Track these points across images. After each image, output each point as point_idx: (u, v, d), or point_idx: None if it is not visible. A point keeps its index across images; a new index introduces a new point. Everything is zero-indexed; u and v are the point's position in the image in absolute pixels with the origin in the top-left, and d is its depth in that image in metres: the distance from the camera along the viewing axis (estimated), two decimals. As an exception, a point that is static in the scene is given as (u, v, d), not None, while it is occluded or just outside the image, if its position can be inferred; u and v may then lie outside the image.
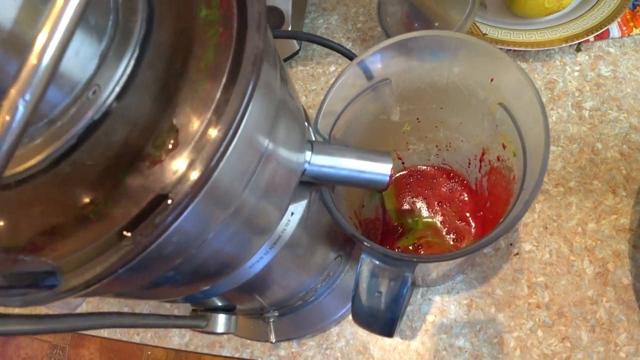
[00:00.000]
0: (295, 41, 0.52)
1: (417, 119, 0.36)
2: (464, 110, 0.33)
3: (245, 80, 0.18)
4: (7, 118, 0.13)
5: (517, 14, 0.48)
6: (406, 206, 0.43)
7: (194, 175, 0.17)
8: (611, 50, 0.47)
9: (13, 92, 0.13)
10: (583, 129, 0.45)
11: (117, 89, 0.18)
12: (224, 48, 0.19)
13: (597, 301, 0.40)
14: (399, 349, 0.42)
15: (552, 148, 0.45)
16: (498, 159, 0.33)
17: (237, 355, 0.44)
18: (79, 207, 0.17)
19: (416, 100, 0.34)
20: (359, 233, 0.28)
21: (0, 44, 0.15)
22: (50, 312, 0.28)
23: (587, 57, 0.47)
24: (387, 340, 0.42)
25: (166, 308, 0.48)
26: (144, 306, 0.49)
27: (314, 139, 0.30)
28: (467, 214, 0.42)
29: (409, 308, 0.43)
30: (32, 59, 0.13)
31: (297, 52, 0.54)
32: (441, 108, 0.34)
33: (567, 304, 0.40)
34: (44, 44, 0.13)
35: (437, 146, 0.40)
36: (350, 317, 0.43)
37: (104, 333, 0.49)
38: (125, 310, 0.49)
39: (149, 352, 1.19)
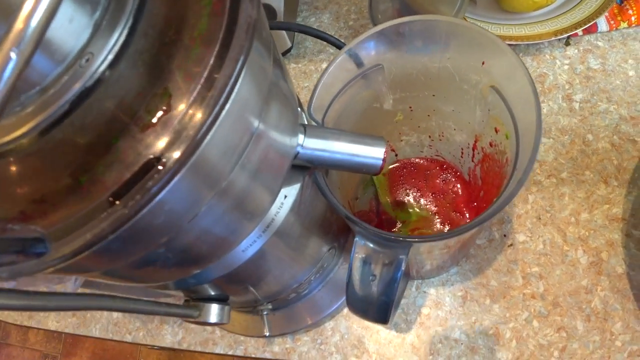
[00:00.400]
0: (287, 38, 0.52)
1: (410, 107, 0.36)
2: (456, 97, 0.33)
3: (239, 47, 0.18)
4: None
5: (506, 9, 0.49)
6: (400, 198, 0.43)
7: (187, 140, 0.17)
8: (600, 44, 0.48)
9: (6, 43, 0.13)
10: (574, 121, 0.45)
11: (110, 57, 0.17)
12: (218, 17, 0.19)
13: (591, 290, 0.40)
14: (394, 342, 0.41)
15: (544, 140, 0.45)
16: (490, 144, 0.33)
17: (230, 353, 0.44)
18: (70, 174, 0.17)
19: (408, 88, 0.34)
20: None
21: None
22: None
23: (576, 50, 0.48)
24: (382, 334, 0.42)
25: (158, 306, 0.47)
26: (136, 304, 0.48)
27: (307, 123, 0.30)
28: (461, 205, 0.42)
29: (403, 301, 0.42)
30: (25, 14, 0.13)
31: (289, 50, 0.54)
32: (433, 95, 0.34)
33: (562, 293, 0.40)
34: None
35: (430, 136, 0.40)
36: (345, 311, 0.43)
37: (96, 332, 0.48)
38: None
39: (142, 361, 1.18)
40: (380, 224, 0.43)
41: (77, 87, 0.17)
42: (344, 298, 0.41)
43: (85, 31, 0.17)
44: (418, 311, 0.42)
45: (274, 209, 0.27)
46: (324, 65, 0.54)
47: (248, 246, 0.27)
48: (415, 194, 0.43)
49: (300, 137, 0.28)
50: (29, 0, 0.13)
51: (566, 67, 0.47)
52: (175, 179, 0.17)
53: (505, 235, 0.43)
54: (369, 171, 0.29)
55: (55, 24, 0.16)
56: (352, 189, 0.41)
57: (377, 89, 0.34)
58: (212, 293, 0.31)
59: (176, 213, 0.19)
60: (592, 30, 0.48)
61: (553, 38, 0.46)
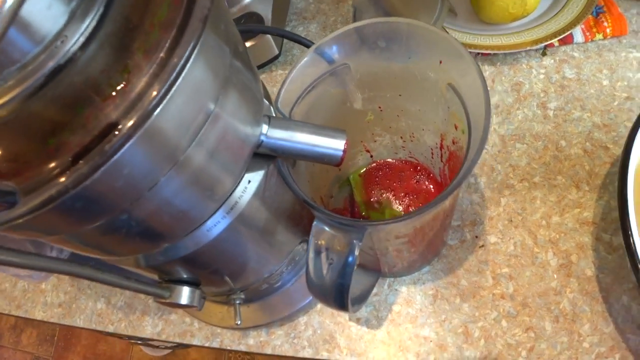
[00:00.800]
0: (274, 46, 0.54)
1: (379, 107, 0.38)
2: (420, 96, 0.35)
3: (192, 32, 0.20)
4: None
5: (484, 20, 0.51)
6: (375, 198, 0.45)
7: (140, 109, 0.19)
8: (575, 54, 0.49)
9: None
10: (548, 128, 0.46)
11: (82, 40, 0.20)
12: (176, 7, 0.21)
13: (560, 292, 0.41)
14: (365, 338, 0.42)
15: (517, 145, 0.46)
16: (453, 142, 0.34)
17: (207, 345, 0.45)
18: (40, 138, 0.19)
19: (376, 87, 0.36)
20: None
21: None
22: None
23: (552, 60, 0.49)
24: (353, 329, 0.43)
25: (141, 298, 0.49)
26: (120, 297, 0.49)
27: (274, 115, 0.32)
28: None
29: (375, 298, 0.43)
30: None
31: (277, 57, 0.56)
32: (400, 95, 0.36)
33: (531, 294, 0.41)
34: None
35: (401, 137, 0.42)
36: (318, 306, 0.44)
37: (80, 322, 0.49)
38: (102, 300, 0.50)
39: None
40: (355, 222, 0.44)
41: (51, 64, 0.19)
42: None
43: (62, 17, 0.20)
44: (389, 308, 0.43)
45: (237, 192, 0.29)
46: (311, 72, 0.57)
47: (212, 226, 0.29)
48: (389, 194, 0.44)
49: (264, 127, 0.29)
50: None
51: (542, 76, 0.49)
52: (130, 142, 0.19)
53: (477, 237, 0.44)
54: (330, 162, 0.31)
55: (35, 9, 0.19)
56: (326, 187, 0.43)
57: (346, 87, 0.35)
58: (184, 276, 0.33)
59: (135, 178, 0.21)
60: (568, 41, 0.49)
61: (529, 48, 0.47)
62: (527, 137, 0.47)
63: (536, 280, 0.41)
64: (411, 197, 0.44)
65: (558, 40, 0.48)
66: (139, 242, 0.26)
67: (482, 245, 0.43)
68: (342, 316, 0.44)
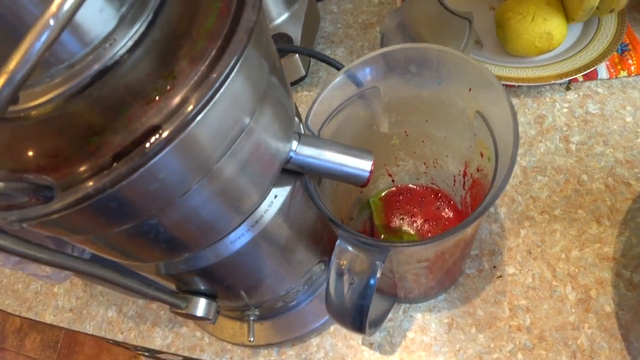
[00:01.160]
0: (302, 67, 0.55)
1: (405, 132, 0.38)
2: (447, 122, 0.35)
3: (237, 43, 0.21)
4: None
5: (510, 53, 0.51)
6: (394, 222, 0.45)
7: (182, 115, 0.19)
8: (599, 90, 0.49)
9: (47, 13, 0.16)
10: (570, 161, 0.46)
11: (130, 44, 0.21)
12: (223, 18, 0.22)
13: (578, 327, 0.40)
14: (378, 363, 0.42)
15: (539, 177, 0.46)
16: (478, 169, 0.34)
17: (217, 360, 0.44)
18: (82, 136, 0.19)
19: (403, 112, 0.36)
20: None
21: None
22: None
23: (576, 95, 0.50)
24: (365, 354, 0.42)
25: (152, 309, 0.49)
26: (132, 306, 0.49)
27: (303, 132, 0.32)
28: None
29: (389, 323, 0.43)
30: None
31: (303, 78, 0.57)
32: (426, 121, 0.36)
33: (549, 328, 0.40)
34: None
35: (425, 163, 0.42)
36: (331, 328, 0.44)
37: (90, 329, 0.49)
38: (113, 308, 0.50)
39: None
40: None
41: (98, 65, 0.20)
42: (331, 314, 0.42)
43: (112, 21, 0.21)
44: (403, 335, 0.42)
45: (263, 206, 0.29)
46: (335, 95, 0.57)
47: (236, 238, 0.29)
48: (409, 219, 0.44)
49: (294, 143, 0.30)
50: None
51: (565, 110, 0.49)
52: (169, 147, 0.19)
53: (494, 267, 0.43)
54: (356, 182, 0.31)
55: (87, 12, 0.20)
56: (347, 208, 0.43)
57: (374, 110, 0.36)
58: (202, 287, 0.33)
59: (169, 183, 0.21)
60: (592, 76, 0.49)
61: (554, 82, 0.48)
62: (549, 169, 0.46)
63: (554, 314, 0.41)
64: (430, 223, 0.44)
65: (582, 75, 0.49)
66: (163, 249, 0.27)
67: (500, 276, 0.43)
68: (355, 340, 0.43)
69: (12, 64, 0.16)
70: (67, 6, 0.16)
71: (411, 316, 0.43)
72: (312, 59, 0.59)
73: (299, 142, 0.30)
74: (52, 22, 0.16)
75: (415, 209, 0.45)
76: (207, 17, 0.22)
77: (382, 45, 0.54)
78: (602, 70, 0.49)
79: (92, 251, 0.27)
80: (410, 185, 0.46)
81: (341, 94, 0.34)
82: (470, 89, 0.31)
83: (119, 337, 0.48)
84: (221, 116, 0.21)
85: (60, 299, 0.53)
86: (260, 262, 0.33)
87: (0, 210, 0.19)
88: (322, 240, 0.38)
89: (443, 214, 0.44)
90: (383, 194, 0.46)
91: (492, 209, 0.46)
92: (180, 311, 0.32)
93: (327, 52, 0.61)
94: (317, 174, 0.32)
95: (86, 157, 0.19)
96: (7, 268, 0.38)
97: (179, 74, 0.20)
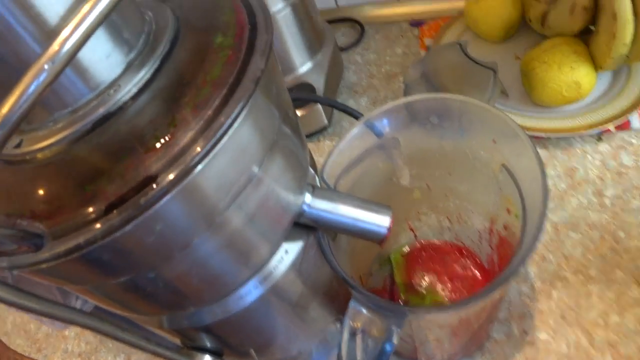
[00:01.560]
0: (324, 116, 0.55)
1: (427, 185, 0.37)
2: (470, 176, 0.33)
3: (243, 91, 0.20)
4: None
5: (537, 103, 0.50)
6: (416, 281, 0.42)
7: (181, 164, 0.18)
8: (633, 141, 0.47)
9: (43, 58, 0.15)
10: (604, 217, 0.44)
11: (134, 90, 0.20)
12: (230, 66, 0.21)
13: (620, 403, 0.36)
14: None
15: (572, 234, 0.43)
16: (505, 227, 0.32)
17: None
18: (79, 183, 0.19)
19: (425, 164, 0.35)
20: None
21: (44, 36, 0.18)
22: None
23: (608, 146, 0.47)
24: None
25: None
26: (140, 354, 0.48)
27: (319, 185, 0.31)
28: (478, 292, 0.40)
29: (411, 389, 0.40)
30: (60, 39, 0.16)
31: (325, 128, 0.57)
32: (449, 174, 0.35)
33: (587, 403, 0.36)
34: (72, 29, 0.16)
35: (448, 218, 0.40)
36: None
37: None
38: (122, 356, 0.48)
39: None
40: (392, 302, 0.41)
41: (101, 111, 0.20)
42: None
43: (118, 67, 0.21)
44: (425, 403, 0.39)
45: (273, 261, 0.28)
46: (356, 144, 0.56)
47: (244, 295, 0.27)
48: (432, 278, 0.42)
49: (308, 196, 0.28)
50: (65, 30, 0.16)
51: (597, 162, 0.47)
52: (166, 198, 0.18)
53: (525, 332, 0.40)
54: (374, 238, 0.29)
55: (95, 57, 0.19)
56: (366, 265, 0.41)
57: (394, 162, 0.35)
58: (207, 344, 0.31)
59: (167, 236, 0.20)
60: (624, 127, 0.47)
61: (583, 132, 0.46)
62: (582, 225, 0.44)
63: (593, 388, 0.37)
64: (455, 283, 0.41)
65: (614, 125, 0.46)
66: (164, 303, 0.25)
67: (531, 342, 0.39)
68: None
69: (5, 107, 0.15)
70: (65, 49, 0.16)
71: (434, 383, 0.40)
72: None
73: (312, 195, 0.29)
74: (47, 66, 0.15)
75: (438, 267, 0.42)
76: (214, 65, 0.21)
77: (405, 95, 0.53)
78: (635, 119, 0.47)
79: (93, 301, 0.26)
80: (433, 241, 0.44)
81: (360, 145, 0.33)
82: (494, 141, 0.29)
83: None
84: (225, 166, 0.20)
85: (70, 343, 0.52)
86: (271, 320, 0.31)
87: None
88: (338, 297, 0.36)
89: (469, 273, 0.41)
90: (405, 249, 0.44)
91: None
92: (183, 369, 0.30)
93: (350, 102, 0.60)
94: (332, 229, 0.30)
95: (80, 205, 0.18)
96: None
97: (180, 121, 0.19)
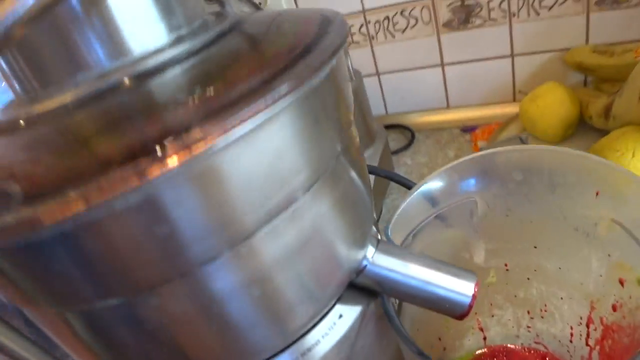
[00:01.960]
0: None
1: (505, 265, 0.31)
2: (563, 247, 0.27)
3: (295, 76, 0.16)
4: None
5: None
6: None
7: (190, 140, 0.14)
8: None
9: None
10: None
11: (162, 69, 0.17)
12: (290, 51, 0.18)
13: None
14: None
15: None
16: (614, 308, 0.25)
17: None
18: (75, 147, 0.15)
19: (504, 236, 0.29)
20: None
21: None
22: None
23: None
24: None
25: None
26: None
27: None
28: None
29: None
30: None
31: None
32: (535, 247, 0.29)
33: None
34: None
35: (528, 312, 0.33)
36: None
37: None
38: None
39: None
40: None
41: (118, 82, 0.17)
42: None
43: (159, 42, 0.18)
44: None
45: (317, 331, 0.22)
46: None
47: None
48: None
49: (371, 249, 0.23)
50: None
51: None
52: (172, 169, 0.13)
53: None
54: (453, 310, 0.23)
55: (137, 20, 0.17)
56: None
57: (466, 230, 0.29)
58: None
59: (170, 237, 0.15)
60: None
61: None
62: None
63: None
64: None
65: None
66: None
67: None
68: None
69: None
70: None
71: None
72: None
73: (376, 249, 0.23)
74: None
75: (515, 380, 0.34)
76: (267, 50, 0.18)
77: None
78: None
79: (67, 349, 0.20)
80: (506, 346, 0.36)
81: (421, 211, 0.28)
82: (597, 193, 0.24)
83: None
84: (251, 165, 0.16)
85: None
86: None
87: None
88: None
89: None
90: (471, 357, 0.36)
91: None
92: None
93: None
94: (398, 296, 0.24)
95: (67, 173, 0.14)
96: None
97: (202, 98, 0.15)
